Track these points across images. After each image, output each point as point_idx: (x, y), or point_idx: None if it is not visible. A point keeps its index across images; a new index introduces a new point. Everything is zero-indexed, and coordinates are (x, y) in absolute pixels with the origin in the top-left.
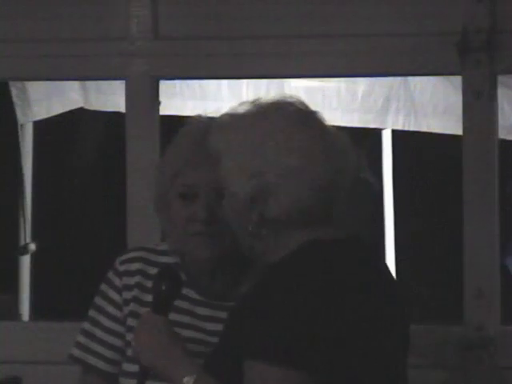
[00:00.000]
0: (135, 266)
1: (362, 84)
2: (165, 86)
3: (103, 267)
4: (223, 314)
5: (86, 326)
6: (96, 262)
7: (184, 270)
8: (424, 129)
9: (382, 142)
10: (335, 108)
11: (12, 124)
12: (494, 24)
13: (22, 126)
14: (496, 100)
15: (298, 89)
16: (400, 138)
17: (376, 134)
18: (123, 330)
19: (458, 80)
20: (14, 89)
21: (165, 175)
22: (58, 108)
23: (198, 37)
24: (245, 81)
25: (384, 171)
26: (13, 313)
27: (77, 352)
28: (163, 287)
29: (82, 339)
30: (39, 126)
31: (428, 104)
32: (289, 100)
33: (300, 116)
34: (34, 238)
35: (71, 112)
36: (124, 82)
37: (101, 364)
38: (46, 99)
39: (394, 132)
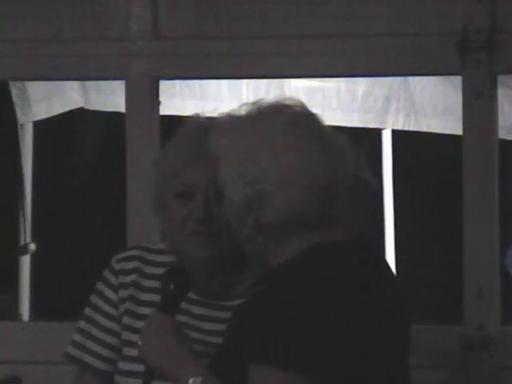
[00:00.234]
0: (131, 264)
1: (361, 84)
2: (165, 86)
3: (103, 267)
4: (220, 314)
5: (82, 324)
6: (96, 262)
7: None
8: (424, 129)
9: (381, 142)
10: (335, 108)
11: (12, 124)
12: (494, 24)
13: (21, 125)
14: (496, 100)
15: (298, 89)
16: (400, 138)
17: (376, 134)
18: (119, 328)
19: (458, 80)
20: (14, 89)
21: (164, 175)
22: (58, 108)
23: (198, 37)
24: (245, 81)
25: (384, 171)
26: (13, 313)
27: (73, 350)
28: (171, 287)
29: (77, 337)
30: (39, 126)
31: (428, 104)
32: (288, 103)
33: (299, 118)
34: (34, 238)
35: (71, 112)
36: (124, 82)
37: (97, 362)
38: (46, 99)
39: (393, 132)
